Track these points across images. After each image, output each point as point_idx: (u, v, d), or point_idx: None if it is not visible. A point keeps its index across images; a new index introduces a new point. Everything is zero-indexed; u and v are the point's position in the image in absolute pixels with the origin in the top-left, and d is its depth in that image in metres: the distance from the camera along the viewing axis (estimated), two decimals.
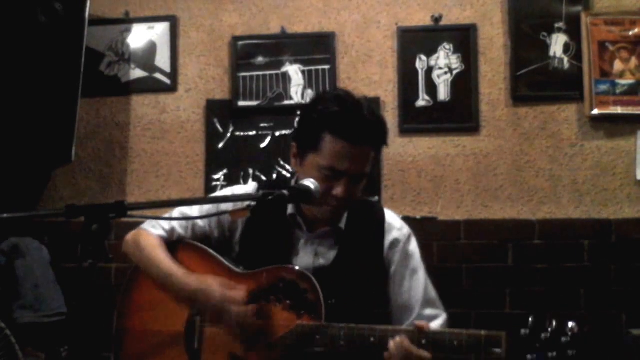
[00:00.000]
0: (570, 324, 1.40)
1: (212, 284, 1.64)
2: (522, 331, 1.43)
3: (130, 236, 1.82)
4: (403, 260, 1.76)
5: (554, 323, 1.41)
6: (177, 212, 1.83)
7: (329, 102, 1.65)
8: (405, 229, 1.80)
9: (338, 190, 1.60)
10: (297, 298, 1.60)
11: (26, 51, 2.78)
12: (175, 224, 1.79)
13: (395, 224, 1.79)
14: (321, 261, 1.71)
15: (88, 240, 1.25)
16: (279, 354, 1.58)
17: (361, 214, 1.77)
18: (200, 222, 1.79)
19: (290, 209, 1.73)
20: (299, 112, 3.00)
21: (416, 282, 1.76)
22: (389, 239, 1.76)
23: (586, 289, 2.87)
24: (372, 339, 1.53)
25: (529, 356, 1.41)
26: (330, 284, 1.60)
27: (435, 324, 1.68)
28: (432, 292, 1.79)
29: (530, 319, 1.43)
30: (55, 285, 2.87)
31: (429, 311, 1.74)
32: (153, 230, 1.80)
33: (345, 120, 1.58)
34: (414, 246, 1.80)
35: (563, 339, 1.39)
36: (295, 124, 1.74)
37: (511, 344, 1.44)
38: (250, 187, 1.85)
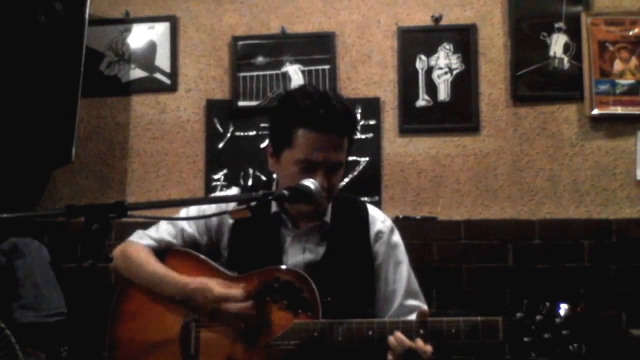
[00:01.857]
0: (563, 305, 1.43)
1: (208, 283, 1.65)
2: (518, 314, 1.46)
3: (117, 250, 1.81)
4: (387, 252, 1.78)
5: (547, 305, 1.44)
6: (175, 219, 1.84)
7: (297, 97, 1.68)
8: (388, 222, 1.82)
9: (317, 182, 1.61)
10: (293, 297, 1.60)
11: (26, 51, 2.78)
12: (164, 233, 1.79)
13: (378, 217, 1.82)
14: (310, 256, 1.72)
15: (88, 240, 1.25)
16: (277, 354, 1.58)
17: (345, 207, 1.79)
18: (189, 229, 1.79)
19: (273, 207, 1.74)
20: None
21: (400, 273, 1.77)
22: (373, 230, 1.78)
23: (586, 289, 2.87)
24: (370, 333, 1.54)
25: (525, 339, 1.43)
26: (322, 278, 1.61)
27: (414, 316, 1.68)
28: (415, 284, 1.80)
29: (524, 302, 1.45)
30: (55, 285, 2.86)
31: (410, 302, 1.75)
32: (141, 240, 1.80)
33: (314, 112, 1.62)
34: (397, 238, 1.81)
35: (557, 320, 1.42)
36: (268, 125, 1.75)
37: (507, 328, 1.47)
38: (233, 191, 1.88)
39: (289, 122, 1.65)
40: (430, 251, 2.93)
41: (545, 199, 2.96)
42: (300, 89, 1.76)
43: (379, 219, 1.81)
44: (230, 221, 1.75)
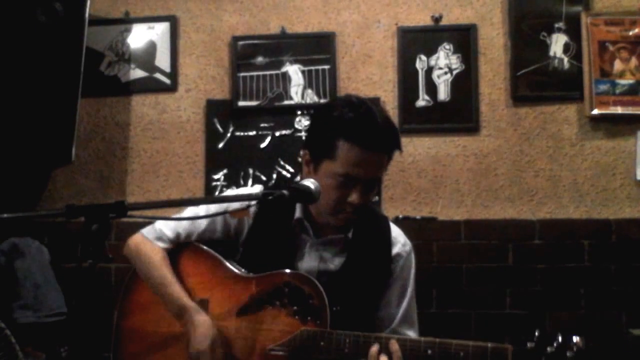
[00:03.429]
0: (576, 339, 1.39)
1: (197, 329, 1.63)
2: (528, 344, 1.42)
3: (132, 243, 1.80)
4: (399, 275, 1.77)
5: (560, 337, 1.41)
6: (188, 212, 1.82)
7: (342, 108, 1.62)
8: (408, 246, 1.81)
9: (353, 197, 1.59)
10: (302, 304, 1.59)
11: (26, 51, 2.78)
12: (180, 229, 1.77)
13: (400, 239, 1.80)
14: (325, 266, 1.71)
15: (88, 240, 1.24)
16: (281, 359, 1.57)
17: (368, 224, 1.76)
18: (206, 225, 1.77)
19: (298, 212, 1.71)
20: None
21: (403, 299, 1.77)
22: (393, 252, 1.77)
23: (586, 289, 2.87)
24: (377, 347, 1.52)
25: None
26: (335, 289, 1.59)
27: None
28: (414, 313, 1.79)
29: (536, 333, 1.42)
30: (55, 285, 2.87)
31: (404, 329, 1.74)
32: (158, 242, 1.77)
33: (360, 127, 1.57)
34: (412, 263, 1.81)
35: (568, 353, 1.38)
36: (307, 131, 1.72)
37: (517, 357, 1.43)
38: (255, 189, 1.84)
39: (332, 132, 1.59)
40: (430, 251, 2.92)
41: (545, 199, 2.96)
42: (345, 99, 1.70)
43: (400, 242, 1.79)
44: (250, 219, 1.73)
